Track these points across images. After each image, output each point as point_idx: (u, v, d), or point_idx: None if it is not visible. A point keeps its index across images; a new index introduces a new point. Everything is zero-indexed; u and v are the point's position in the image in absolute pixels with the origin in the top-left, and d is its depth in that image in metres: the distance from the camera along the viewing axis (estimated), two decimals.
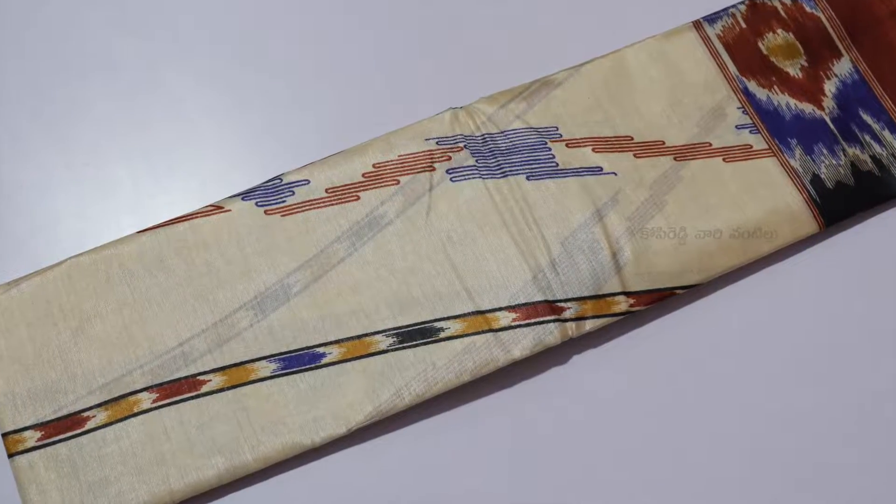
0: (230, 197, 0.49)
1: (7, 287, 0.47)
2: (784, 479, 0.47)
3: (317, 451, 0.46)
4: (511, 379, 0.48)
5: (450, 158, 0.50)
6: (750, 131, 0.52)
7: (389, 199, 0.49)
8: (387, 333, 0.47)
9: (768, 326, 0.50)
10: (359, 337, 0.47)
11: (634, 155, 0.51)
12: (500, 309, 0.47)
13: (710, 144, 0.52)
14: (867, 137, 0.53)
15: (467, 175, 0.50)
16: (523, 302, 0.47)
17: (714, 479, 0.47)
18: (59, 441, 0.45)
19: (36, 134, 0.53)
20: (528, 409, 0.48)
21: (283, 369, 0.46)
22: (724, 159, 0.51)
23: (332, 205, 0.49)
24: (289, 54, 0.55)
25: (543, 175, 0.50)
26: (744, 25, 0.55)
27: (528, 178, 0.50)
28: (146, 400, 0.46)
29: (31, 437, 0.45)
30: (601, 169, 0.51)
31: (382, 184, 0.50)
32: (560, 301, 0.47)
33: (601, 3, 0.57)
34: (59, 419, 0.45)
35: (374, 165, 0.50)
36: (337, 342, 0.47)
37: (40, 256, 0.49)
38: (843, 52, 0.55)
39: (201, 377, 0.46)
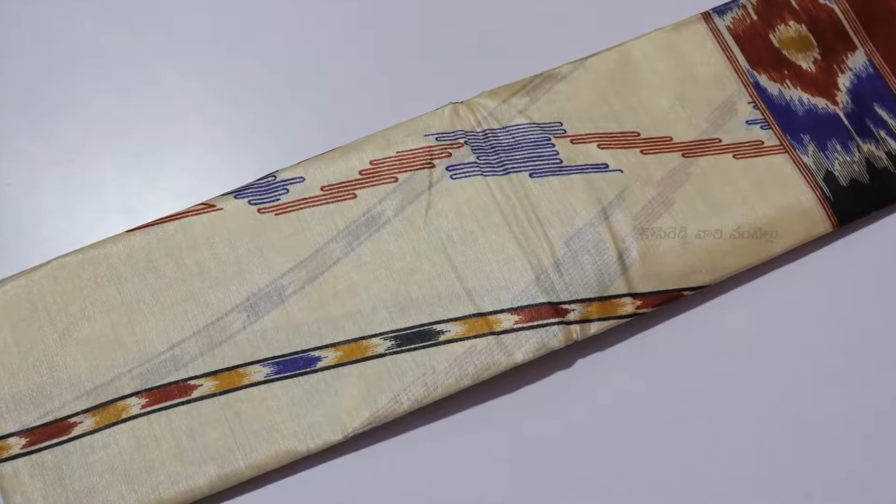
0: (222, 195, 0.49)
1: None
2: (797, 484, 0.47)
3: (312, 459, 0.46)
4: (513, 383, 0.48)
5: (450, 155, 0.50)
6: (761, 127, 0.52)
7: (387, 197, 0.49)
8: (385, 336, 0.47)
9: (779, 329, 0.50)
10: (355, 340, 0.46)
11: (641, 151, 0.51)
12: (502, 311, 0.47)
13: (720, 140, 0.51)
14: (882, 133, 0.52)
15: (468, 172, 0.49)
16: (526, 304, 0.47)
17: (724, 485, 0.47)
18: (45, 448, 0.44)
19: (20, 130, 0.53)
20: (531, 415, 0.48)
21: (276, 373, 0.46)
22: (734, 156, 0.51)
23: (328, 203, 0.49)
24: (283, 47, 0.55)
25: (547, 172, 0.49)
26: (755, 17, 0.54)
27: (531, 175, 0.49)
28: (135, 405, 0.45)
29: (16, 444, 0.44)
30: (607, 166, 0.50)
31: (380, 181, 0.49)
32: (564, 303, 0.47)
33: None
34: (44, 425, 0.45)
35: (371, 162, 0.49)
36: (333, 345, 0.46)
37: (25, 257, 0.49)
38: (858, 44, 0.54)
39: (192, 382, 0.46)
